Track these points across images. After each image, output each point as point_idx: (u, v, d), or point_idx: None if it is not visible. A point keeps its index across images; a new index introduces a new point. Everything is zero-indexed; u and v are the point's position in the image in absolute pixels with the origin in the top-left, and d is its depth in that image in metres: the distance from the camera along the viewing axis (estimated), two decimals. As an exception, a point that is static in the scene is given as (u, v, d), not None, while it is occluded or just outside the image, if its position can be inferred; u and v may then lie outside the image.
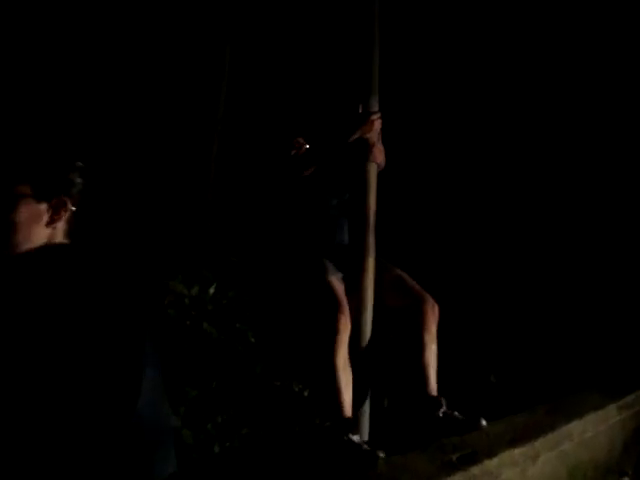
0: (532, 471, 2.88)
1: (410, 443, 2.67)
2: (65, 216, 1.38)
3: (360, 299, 2.84)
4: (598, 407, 3.32)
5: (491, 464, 2.61)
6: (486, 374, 3.89)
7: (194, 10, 4.00)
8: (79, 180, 1.38)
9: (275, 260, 3.11)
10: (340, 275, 2.97)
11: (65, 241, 1.38)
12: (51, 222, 1.37)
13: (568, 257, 4.55)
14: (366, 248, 2.90)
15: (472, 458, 2.59)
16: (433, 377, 2.96)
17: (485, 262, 4.73)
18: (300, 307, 3.13)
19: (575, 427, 3.13)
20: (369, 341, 2.94)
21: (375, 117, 2.98)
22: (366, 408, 2.95)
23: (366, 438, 2.88)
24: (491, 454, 2.64)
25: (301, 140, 3.05)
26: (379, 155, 3.01)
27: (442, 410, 2.79)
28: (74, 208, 1.37)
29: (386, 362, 3.45)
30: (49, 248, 1.36)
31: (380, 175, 3.07)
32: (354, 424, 2.71)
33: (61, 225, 1.38)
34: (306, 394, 3.51)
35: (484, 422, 2.72)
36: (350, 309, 2.80)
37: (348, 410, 2.70)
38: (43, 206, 1.34)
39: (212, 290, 2.61)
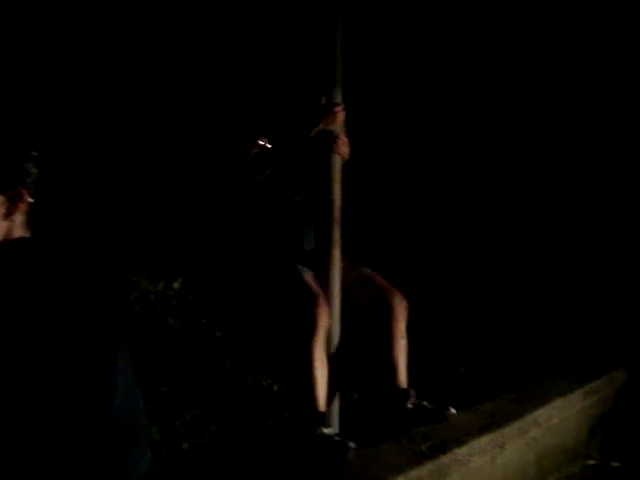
0: (501, 458, 2.92)
1: (380, 435, 2.68)
2: (22, 208, 1.34)
3: (328, 293, 2.83)
4: (564, 393, 3.38)
5: (460, 453, 2.63)
6: (455, 365, 3.92)
7: (155, 4, 3.95)
8: (34, 170, 1.34)
9: (243, 257, 3.09)
10: (312, 273, 2.97)
11: (24, 234, 1.35)
12: (8, 215, 1.32)
13: (533, 244, 4.60)
14: (332, 241, 2.89)
15: (442, 447, 2.61)
16: (403, 370, 2.97)
17: (451, 255, 4.76)
18: (272, 302, 3.12)
19: (542, 414, 3.18)
20: (338, 335, 2.94)
21: (338, 109, 2.96)
22: (336, 401, 2.95)
23: (337, 430, 2.88)
24: (460, 443, 2.67)
25: (263, 141, 3.00)
26: (343, 147, 2.99)
27: (411, 401, 2.80)
28: (31, 200, 1.34)
29: (355, 356, 3.45)
30: (10, 243, 1.32)
31: (347, 168, 3.06)
32: (326, 418, 2.71)
33: (18, 218, 1.34)
34: (275, 389, 3.50)
35: (453, 410, 2.74)
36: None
37: (322, 404, 2.70)
38: (1, 198, 1.31)
39: (177, 285, 2.58)
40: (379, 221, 4.80)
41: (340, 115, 2.99)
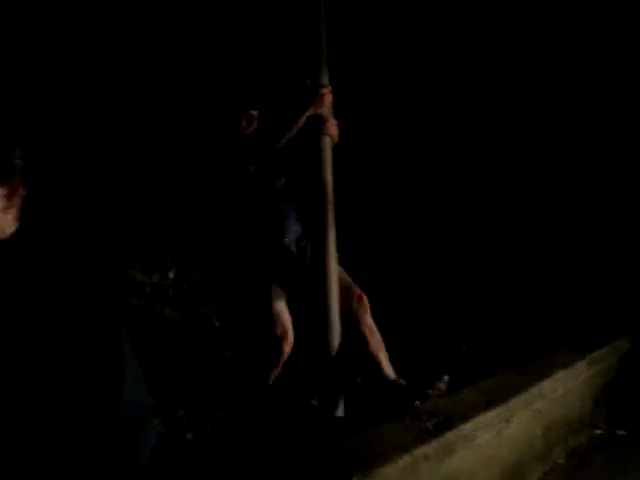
0: (507, 432, 2.91)
1: (385, 416, 2.67)
2: (18, 201, 1.31)
3: (324, 273, 2.82)
4: (567, 365, 3.36)
5: (466, 428, 2.61)
6: (457, 342, 3.91)
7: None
8: (24, 163, 1.32)
9: (231, 247, 3.10)
10: (284, 297, 3.10)
11: (16, 228, 1.32)
12: (5, 208, 1.30)
13: (532, 217, 4.58)
14: (327, 223, 2.87)
15: (447, 424, 2.59)
16: (385, 362, 3.09)
17: (451, 233, 4.74)
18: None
19: (546, 386, 3.16)
20: (338, 319, 2.93)
21: (325, 90, 2.93)
22: (340, 386, 2.94)
23: (342, 414, 2.88)
24: (465, 419, 2.65)
25: (253, 113, 2.99)
26: (333, 129, 2.97)
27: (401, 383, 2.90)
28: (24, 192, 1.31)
29: (356, 339, 3.44)
30: (12, 240, 1.30)
31: (337, 152, 3.03)
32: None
33: (13, 212, 1.32)
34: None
35: (446, 376, 2.80)
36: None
37: None
38: None
39: (172, 275, 2.56)
40: (379, 197, 4.78)
41: (327, 97, 2.96)
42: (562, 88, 4.56)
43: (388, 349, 3.73)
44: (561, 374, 3.28)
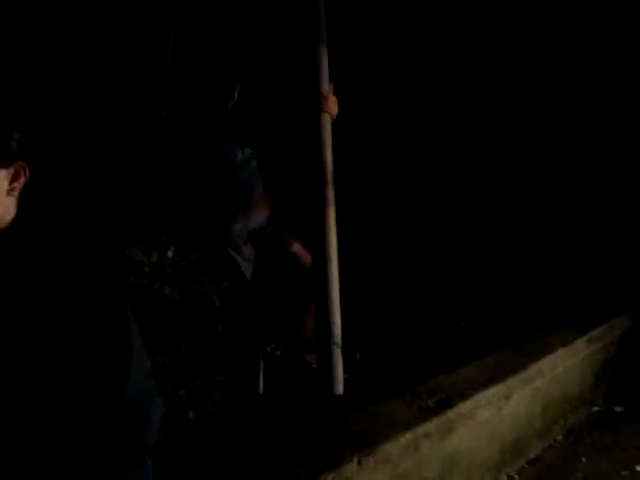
0: (507, 410, 2.92)
1: (384, 392, 2.67)
2: (23, 183, 1.30)
3: (324, 251, 2.80)
4: (567, 342, 3.37)
5: (466, 406, 2.63)
6: (456, 320, 3.91)
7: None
8: (24, 145, 1.30)
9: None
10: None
11: (15, 209, 1.31)
12: (10, 190, 1.28)
13: (531, 198, 4.57)
14: (325, 201, 2.84)
15: (448, 402, 2.60)
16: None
17: (451, 210, 4.73)
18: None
19: (545, 364, 3.17)
20: (337, 297, 2.92)
21: (328, 96, 2.89)
22: (339, 363, 2.94)
23: (341, 391, 2.88)
24: (466, 397, 2.66)
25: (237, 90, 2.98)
26: (333, 106, 2.93)
27: None
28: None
29: (353, 316, 3.43)
30: (16, 226, 1.29)
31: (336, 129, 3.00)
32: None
33: (16, 194, 1.30)
34: (278, 354, 3.49)
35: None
36: None
37: None
38: (2, 173, 1.26)
39: (171, 254, 2.54)
40: (379, 176, 4.76)
41: (330, 102, 2.91)
42: (562, 88, 4.55)
43: (388, 327, 3.74)
44: (560, 352, 3.29)
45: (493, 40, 4.69)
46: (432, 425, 2.45)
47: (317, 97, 2.90)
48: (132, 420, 1.27)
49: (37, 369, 1.21)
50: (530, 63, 4.62)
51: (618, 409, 3.76)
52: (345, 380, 2.92)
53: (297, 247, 3.21)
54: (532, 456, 3.22)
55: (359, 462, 2.11)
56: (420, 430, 2.39)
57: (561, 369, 3.31)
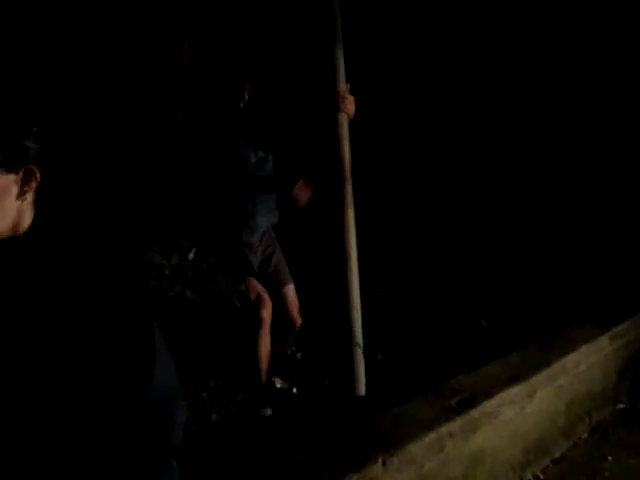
0: (531, 408, 2.89)
1: (407, 393, 2.65)
2: (34, 187, 1.29)
3: (344, 251, 2.79)
4: (590, 339, 3.33)
5: (490, 405, 2.60)
6: (477, 319, 3.88)
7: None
8: (36, 146, 1.29)
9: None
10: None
11: (32, 215, 1.30)
12: (21, 194, 1.27)
13: (554, 190, 4.52)
14: (345, 200, 2.83)
15: (471, 401, 2.57)
16: None
17: (471, 209, 4.70)
18: None
19: (569, 361, 3.13)
20: (358, 297, 2.90)
21: (345, 95, 2.88)
22: (361, 364, 2.93)
23: (363, 392, 2.86)
24: (489, 395, 2.63)
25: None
26: (350, 105, 2.92)
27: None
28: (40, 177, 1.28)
29: (375, 317, 3.42)
30: (32, 232, 1.28)
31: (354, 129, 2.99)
32: None
33: (30, 197, 1.29)
34: (299, 356, 3.49)
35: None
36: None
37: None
38: (12, 177, 1.25)
39: (191, 256, 2.54)
40: (402, 173, 4.75)
41: (348, 101, 2.91)
42: (563, 88, 4.51)
43: (409, 327, 3.72)
44: (584, 349, 3.24)
45: (499, 43, 4.66)
46: (456, 425, 2.43)
47: (335, 96, 2.89)
48: (157, 422, 1.27)
49: (61, 375, 1.21)
50: (533, 66, 4.59)
51: (644, 407, 3.71)
52: (366, 381, 2.91)
53: (296, 188, 3.19)
54: (557, 455, 3.18)
55: (384, 463, 2.09)
56: (444, 430, 2.37)
57: (584, 366, 3.27)
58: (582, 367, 3.26)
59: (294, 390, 3.10)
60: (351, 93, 2.96)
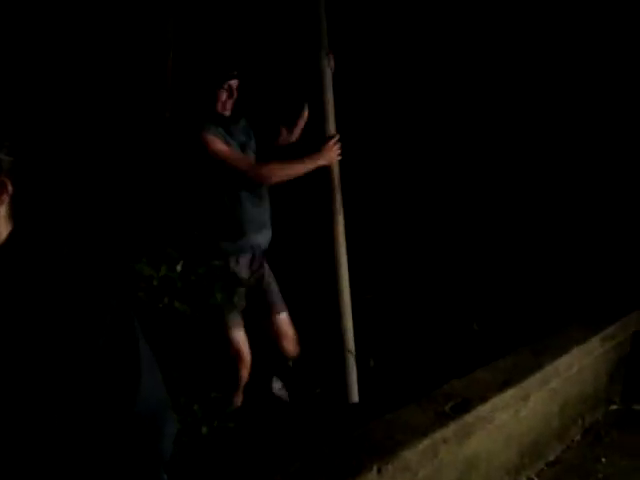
0: (524, 412, 2.89)
1: (400, 399, 2.64)
2: (5, 199, 1.26)
3: (334, 258, 2.78)
4: (581, 341, 3.33)
5: (484, 410, 2.59)
6: (469, 323, 3.88)
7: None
8: (9, 158, 1.26)
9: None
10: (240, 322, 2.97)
11: (8, 227, 1.28)
12: None
13: (542, 196, 4.53)
14: (334, 207, 2.83)
15: (465, 406, 2.56)
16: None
17: (461, 212, 4.70)
18: None
19: (561, 364, 3.14)
20: (349, 304, 2.90)
21: (332, 143, 2.86)
22: (353, 370, 2.92)
23: (356, 399, 2.85)
24: (483, 400, 2.62)
25: (232, 83, 2.88)
26: (332, 153, 2.89)
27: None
28: (12, 189, 1.26)
29: (366, 324, 3.40)
30: (11, 242, 1.26)
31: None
32: None
33: (3, 209, 1.27)
34: (290, 364, 3.47)
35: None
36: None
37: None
38: None
39: (179, 267, 2.51)
40: (389, 177, 4.74)
41: (334, 148, 2.88)
42: (563, 88, 4.52)
43: (400, 333, 3.71)
44: (575, 351, 3.25)
45: (495, 43, 4.67)
46: (450, 430, 2.42)
47: (322, 104, 2.89)
48: (146, 435, 1.24)
49: (42, 386, 1.18)
50: (532, 66, 4.61)
51: (636, 407, 3.72)
52: (359, 388, 2.90)
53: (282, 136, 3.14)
54: (551, 458, 3.18)
55: (379, 470, 2.08)
56: (438, 436, 2.36)
57: (577, 368, 3.28)
58: (574, 370, 3.26)
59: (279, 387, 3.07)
60: (340, 98, 2.92)
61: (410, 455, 2.22)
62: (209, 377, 2.55)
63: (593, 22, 4.43)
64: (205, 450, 2.45)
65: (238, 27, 3.95)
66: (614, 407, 3.74)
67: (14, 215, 1.27)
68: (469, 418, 2.52)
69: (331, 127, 2.89)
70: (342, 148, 2.89)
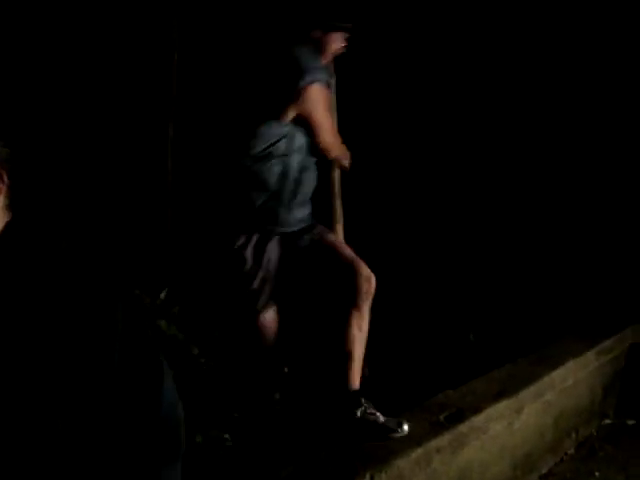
0: (518, 423, 2.90)
1: (395, 408, 2.64)
2: (3, 190, 1.26)
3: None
4: (577, 354, 3.35)
5: (478, 420, 2.60)
6: (465, 333, 3.88)
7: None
8: (7, 149, 1.27)
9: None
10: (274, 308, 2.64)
11: (6, 218, 1.27)
12: None
13: (539, 208, 4.54)
14: (334, 216, 2.83)
15: (459, 416, 2.57)
16: (357, 368, 2.56)
17: (458, 222, 4.70)
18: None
19: (556, 376, 3.15)
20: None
21: None
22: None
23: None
24: (477, 410, 2.63)
25: None
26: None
27: (361, 410, 2.43)
28: (8, 181, 1.25)
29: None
30: (8, 233, 1.25)
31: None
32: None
33: (0, 200, 1.26)
34: (286, 371, 3.46)
35: (405, 427, 2.38)
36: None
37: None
38: None
39: (163, 295, 2.48)
40: (388, 184, 4.73)
41: None
42: (564, 89, 4.53)
43: (395, 342, 3.70)
44: (571, 364, 3.26)
45: (494, 43, 4.66)
46: (444, 440, 2.42)
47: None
48: (171, 437, 1.26)
49: (57, 388, 1.17)
50: (533, 69, 4.60)
51: (630, 422, 3.72)
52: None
53: (332, 236, 2.72)
54: (544, 470, 3.18)
55: (372, 478, 2.09)
56: (432, 445, 2.37)
57: (571, 381, 3.29)
58: (569, 382, 3.27)
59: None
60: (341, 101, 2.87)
61: (403, 464, 2.23)
62: (205, 387, 2.55)
63: (593, 22, 4.43)
64: (200, 454, 2.45)
65: (244, 29, 3.94)
66: (608, 421, 3.74)
67: (12, 206, 1.26)
68: (463, 428, 2.53)
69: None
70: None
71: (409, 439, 2.35)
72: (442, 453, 2.40)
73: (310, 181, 2.60)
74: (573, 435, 3.45)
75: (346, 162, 2.77)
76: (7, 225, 1.25)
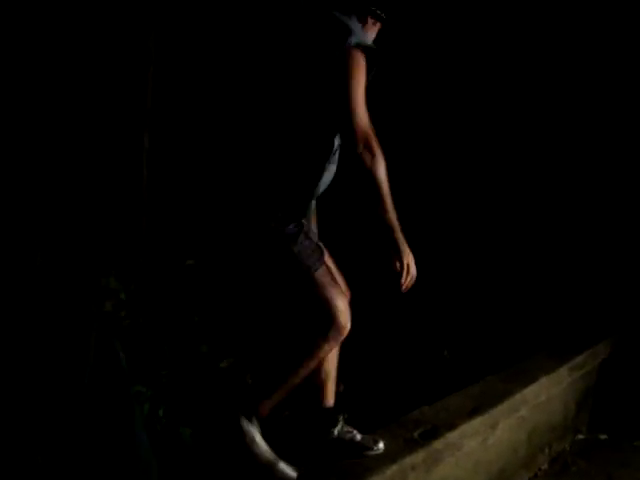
0: (493, 439, 2.89)
1: (370, 424, 2.62)
2: None
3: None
4: (550, 370, 3.36)
5: (453, 436, 2.59)
6: (439, 350, 3.88)
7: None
8: None
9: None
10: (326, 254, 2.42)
11: None
12: None
13: (511, 224, 4.56)
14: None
15: (434, 433, 2.56)
16: (331, 385, 2.51)
17: (432, 239, 4.71)
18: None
19: (529, 392, 3.15)
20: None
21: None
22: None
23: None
24: (452, 427, 2.63)
25: None
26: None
27: (337, 428, 2.40)
28: None
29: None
30: None
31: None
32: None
33: None
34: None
35: (381, 444, 2.36)
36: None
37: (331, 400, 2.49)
38: None
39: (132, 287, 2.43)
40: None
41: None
42: (565, 89, 4.53)
43: (370, 358, 3.69)
44: (544, 380, 3.27)
45: (496, 43, 4.66)
46: (418, 456, 2.41)
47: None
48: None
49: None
50: (534, 69, 4.60)
51: (603, 437, 3.74)
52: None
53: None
54: (518, 486, 3.18)
55: (346, 496, 2.06)
56: (406, 462, 2.35)
57: (545, 397, 3.30)
58: (542, 398, 3.28)
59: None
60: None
61: (378, 481, 2.20)
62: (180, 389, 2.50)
63: (593, 22, 4.45)
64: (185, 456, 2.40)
65: (226, 40, 3.91)
66: (581, 436, 3.76)
67: None
68: (438, 445, 2.51)
69: None
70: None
71: (384, 456, 2.33)
72: (417, 470, 2.39)
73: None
74: (547, 450, 3.45)
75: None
76: None
